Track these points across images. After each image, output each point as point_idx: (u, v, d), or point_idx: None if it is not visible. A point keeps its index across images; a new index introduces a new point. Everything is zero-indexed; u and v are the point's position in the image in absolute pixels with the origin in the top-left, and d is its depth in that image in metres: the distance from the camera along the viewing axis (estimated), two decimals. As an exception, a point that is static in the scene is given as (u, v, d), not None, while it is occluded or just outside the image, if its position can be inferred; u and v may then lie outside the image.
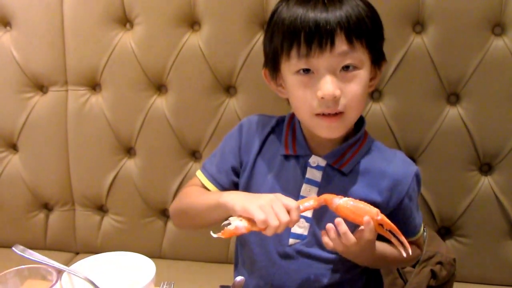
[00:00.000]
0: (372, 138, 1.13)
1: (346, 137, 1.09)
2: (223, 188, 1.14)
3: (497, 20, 1.38)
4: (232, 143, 1.16)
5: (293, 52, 0.98)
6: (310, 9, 0.96)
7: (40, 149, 1.69)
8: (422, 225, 1.14)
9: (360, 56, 0.98)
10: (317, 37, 0.95)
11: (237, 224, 0.91)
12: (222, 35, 1.51)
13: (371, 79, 1.05)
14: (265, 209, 0.90)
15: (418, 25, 1.42)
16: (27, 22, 1.62)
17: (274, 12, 1.04)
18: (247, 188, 1.13)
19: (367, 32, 0.99)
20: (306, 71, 0.98)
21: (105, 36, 1.58)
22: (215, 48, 1.52)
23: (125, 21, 1.59)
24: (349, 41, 0.96)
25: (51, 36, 1.61)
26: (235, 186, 1.15)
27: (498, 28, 1.39)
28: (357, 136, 1.08)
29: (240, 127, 1.17)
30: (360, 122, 1.11)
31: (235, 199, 0.96)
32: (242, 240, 1.19)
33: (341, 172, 1.07)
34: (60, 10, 1.59)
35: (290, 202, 0.93)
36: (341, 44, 0.96)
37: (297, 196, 1.06)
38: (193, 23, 1.54)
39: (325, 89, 0.96)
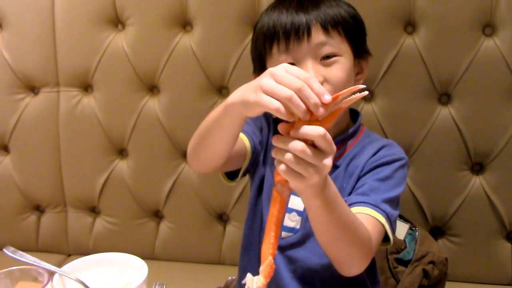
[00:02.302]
0: (370, 132, 1.15)
1: (342, 131, 1.10)
2: (251, 137, 1.13)
3: (487, 21, 1.38)
4: (254, 121, 1.17)
5: (274, 49, 1.04)
6: (285, 10, 1.03)
7: (31, 151, 1.68)
8: (386, 219, 0.99)
9: (339, 44, 1.03)
10: (294, 31, 1.00)
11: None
12: (214, 36, 1.51)
13: (357, 73, 1.08)
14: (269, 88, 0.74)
15: (410, 26, 1.43)
16: (18, 22, 1.62)
17: (257, 22, 1.11)
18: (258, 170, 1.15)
19: (344, 23, 1.03)
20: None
21: (96, 37, 1.57)
22: (207, 49, 1.52)
23: (117, 22, 1.58)
24: (326, 31, 1.01)
25: (43, 37, 1.60)
26: (260, 145, 1.15)
27: (488, 29, 1.39)
28: (350, 130, 1.10)
29: (255, 118, 1.18)
30: (356, 117, 1.14)
31: (233, 95, 0.82)
32: (248, 240, 1.19)
33: (334, 165, 1.08)
34: (52, 11, 1.58)
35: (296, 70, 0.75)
36: (317, 35, 1.01)
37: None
38: (185, 24, 1.54)
39: None
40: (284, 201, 0.80)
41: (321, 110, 0.71)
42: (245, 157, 1.12)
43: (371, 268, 1.16)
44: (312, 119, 0.73)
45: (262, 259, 0.80)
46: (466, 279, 1.50)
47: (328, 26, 1.01)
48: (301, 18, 1.01)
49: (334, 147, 0.74)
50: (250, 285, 0.79)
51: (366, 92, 0.72)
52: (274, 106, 0.71)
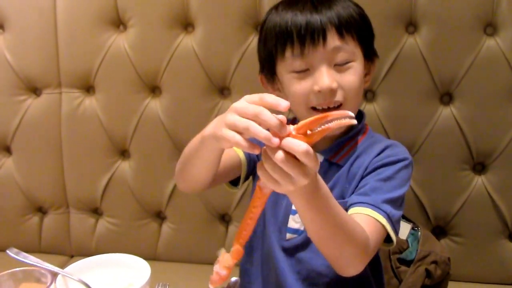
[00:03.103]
0: (374, 133, 1.14)
1: (346, 131, 1.10)
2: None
3: (489, 20, 1.38)
4: None
5: (288, 53, 1.01)
6: (299, 11, 1.00)
7: (34, 152, 1.68)
8: (387, 220, 0.99)
9: (353, 49, 1.02)
10: (309, 35, 0.98)
11: (218, 270, 0.86)
12: (216, 37, 1.51)
13: (365, 75, 1.08)
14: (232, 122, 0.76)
15: (411, 26, 1.43)
16: (20, 24, 1.62)
17: (265, 20, 1.08)
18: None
19: (357, 27, 1.02)
20: (302, 71, 1.01)
21: (98, 38, 1.58)
22: (208, 50, 1.52)
23: (119, 23, 1.58)
24: (341, 35, 1.00)
25: (45, 38, 1.61)
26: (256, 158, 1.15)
27: (490, 28, 1.39)
28: (355, 130, 1.09)
29: None
30: (361, 117, 1.13)
31: (209, 127, 0.87)
32: (250, 243, 1.19)
33: (337, 165, 1.08)
34: (53, 12, 1.59)
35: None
36: (333, 40, 0.99)
37: None
38: (187, 25, 1.54)
39: (322, 82, 0.98)
40: (265, 196, 0.80)
41: (286, 131, 0.71)
42: (241, 168, 1.13)
43: (377, 270, 1.16)
44: (300, 132, 0.73)
45: (233, 246, 0.84)
46: (468, 279, 1.50)
47: (343, 30, 1.00)
48: (316, 19, 0.99)
49: (317, 163, 0.74)
50: (221, 259, 0.86)
51: (355, 121, 0.73)
52: (234, 140, 0.73)
